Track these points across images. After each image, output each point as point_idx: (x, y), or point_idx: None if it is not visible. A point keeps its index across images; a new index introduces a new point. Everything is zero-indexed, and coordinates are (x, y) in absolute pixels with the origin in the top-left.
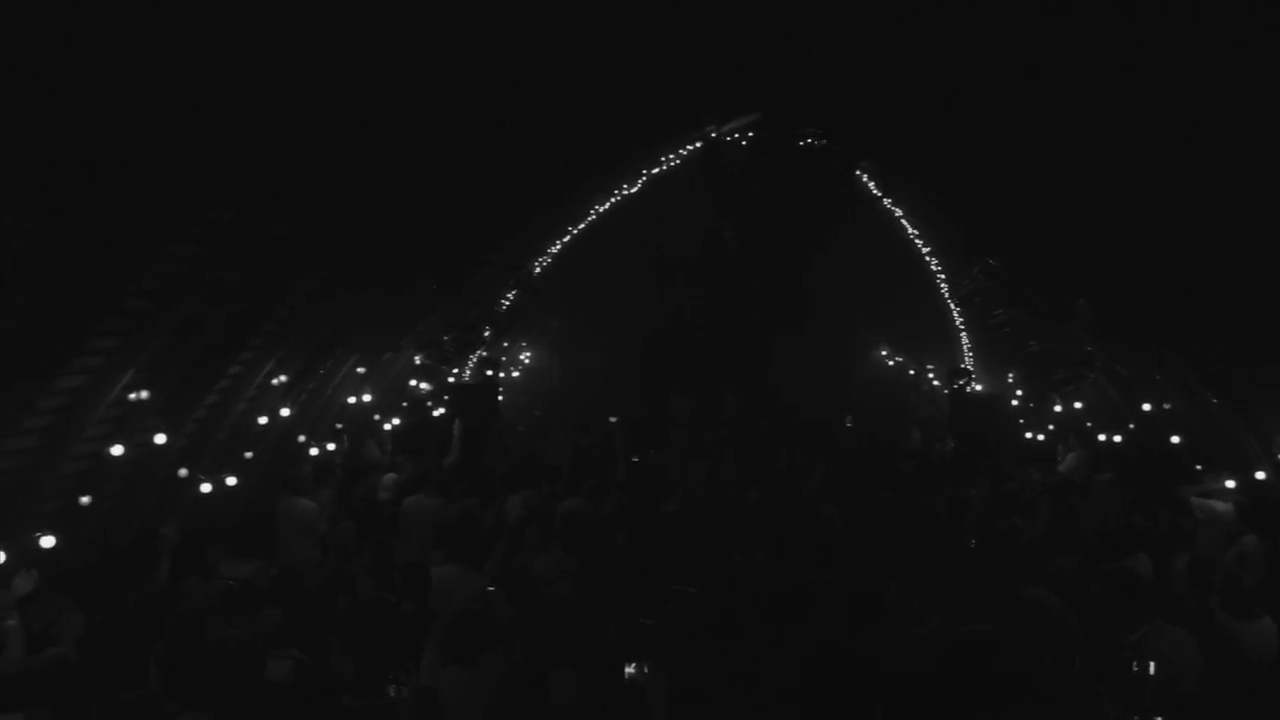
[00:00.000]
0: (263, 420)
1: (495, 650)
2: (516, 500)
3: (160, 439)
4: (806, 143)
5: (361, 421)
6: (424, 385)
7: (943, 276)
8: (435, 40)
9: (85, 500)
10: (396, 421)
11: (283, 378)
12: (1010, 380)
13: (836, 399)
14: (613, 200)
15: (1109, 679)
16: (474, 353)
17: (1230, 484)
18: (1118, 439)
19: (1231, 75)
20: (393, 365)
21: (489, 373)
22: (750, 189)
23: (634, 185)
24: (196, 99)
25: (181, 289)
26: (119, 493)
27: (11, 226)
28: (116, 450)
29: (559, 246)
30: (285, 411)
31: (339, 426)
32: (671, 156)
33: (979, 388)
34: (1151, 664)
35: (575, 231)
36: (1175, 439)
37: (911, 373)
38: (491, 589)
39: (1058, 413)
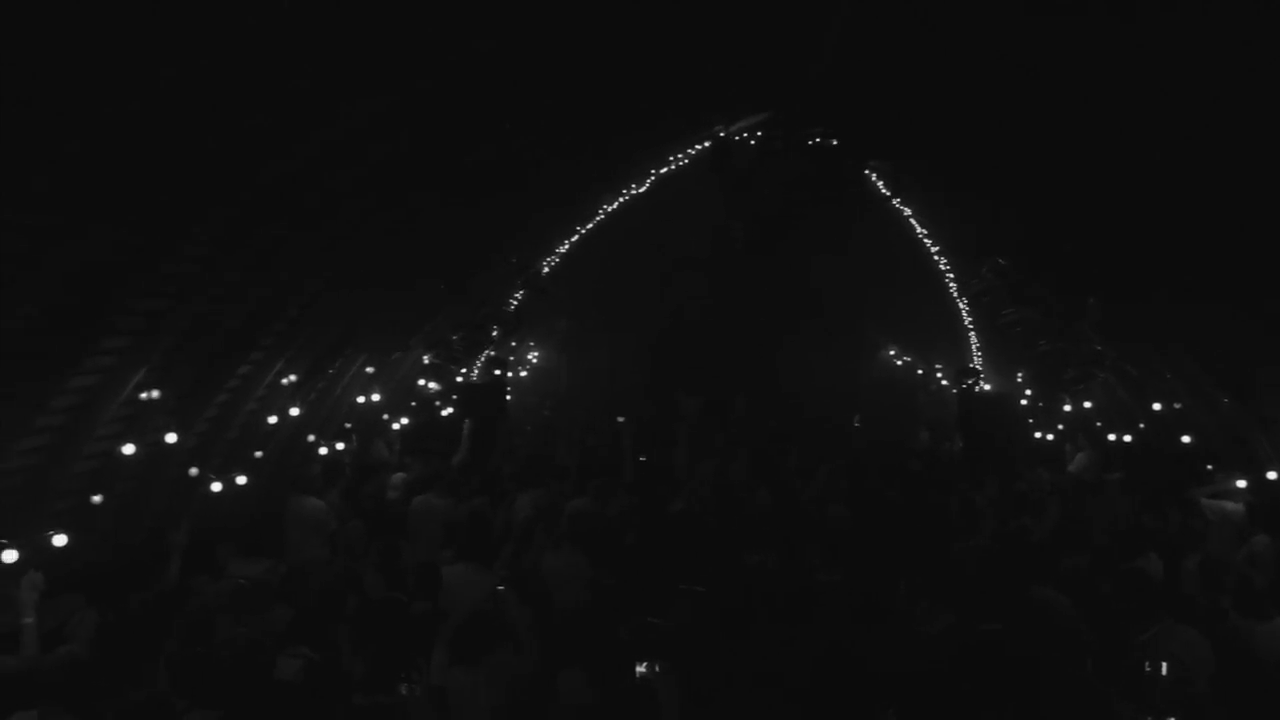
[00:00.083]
0: (272, 420)
1: (505, 650)
2: (525, 500)
3: (171, 438)
4: (816, 142)
5: (370, 421)
6: (432, 385)
7: (951, 276)
8: (438, 41)
9: (97, 499)
10: (405, 421)
11: (292, 377)
12: (1019, 380)
13: (845, 399)
14: (621, 200)
15: (1120, 679)
16: (482, 352)
17: (1241, 484)
18: (1128, 439)
19: (1238, 74)
20: (401, 365)
21: (497, 372)
22: (759, 189)
23: (642, 185)
24: (204, 100)
25: (192, 289)
26: (130, 491)
27: (23, 226)
28: (128, 449)
29: (567, 246)
30: (295, 411)
31: (348, 426)
32: (680, 156)
33: (988, 387)
34: (1163, 664)
35: (584, 231)
36: (1186, 439)
37: (920, 372)
38: (501, 588)
39: (1067, 412)
